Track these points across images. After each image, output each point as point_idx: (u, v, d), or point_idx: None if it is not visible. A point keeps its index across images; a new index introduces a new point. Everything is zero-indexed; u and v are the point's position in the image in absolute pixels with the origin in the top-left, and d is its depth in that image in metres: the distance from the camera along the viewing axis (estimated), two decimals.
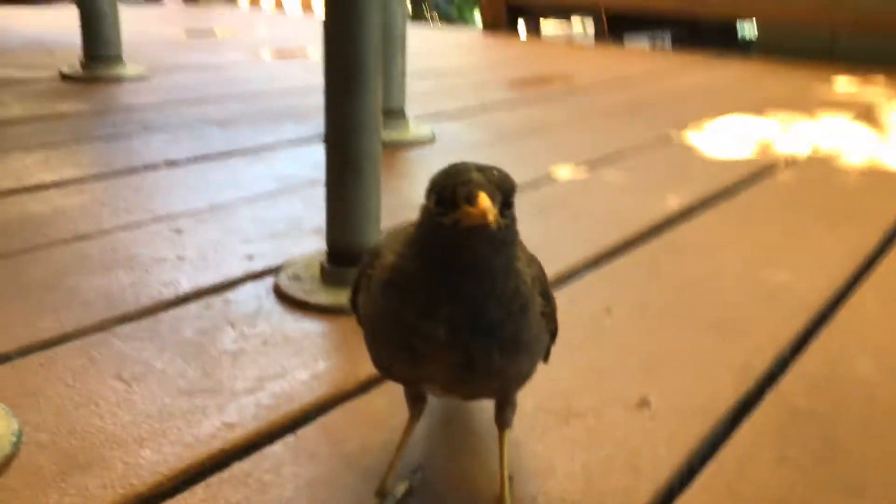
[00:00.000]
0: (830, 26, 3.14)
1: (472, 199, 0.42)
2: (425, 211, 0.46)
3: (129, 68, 2.17)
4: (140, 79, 2.14)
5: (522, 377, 0.52)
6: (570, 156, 1.53)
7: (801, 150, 1.68)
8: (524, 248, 0.50)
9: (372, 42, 0.80)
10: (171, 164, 1.37)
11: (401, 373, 0.52)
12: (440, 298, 0.46)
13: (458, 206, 0.43)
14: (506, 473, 0.56)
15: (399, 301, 0.47)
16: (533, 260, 0.52)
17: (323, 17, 0.81)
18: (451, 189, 0.43)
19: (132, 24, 2.50)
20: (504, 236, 0.45)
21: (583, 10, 5.24)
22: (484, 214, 0.42)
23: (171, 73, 2.28)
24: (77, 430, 0.63)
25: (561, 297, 0.58)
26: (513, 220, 0.46)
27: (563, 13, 5.86)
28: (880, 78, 2.71)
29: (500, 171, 0.45)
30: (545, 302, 0.51)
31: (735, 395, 0.72)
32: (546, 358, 0.56)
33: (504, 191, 0.44)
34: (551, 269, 0.63)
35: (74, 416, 0.64)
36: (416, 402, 0.58)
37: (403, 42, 1.55)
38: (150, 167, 1.35)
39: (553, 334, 0.55)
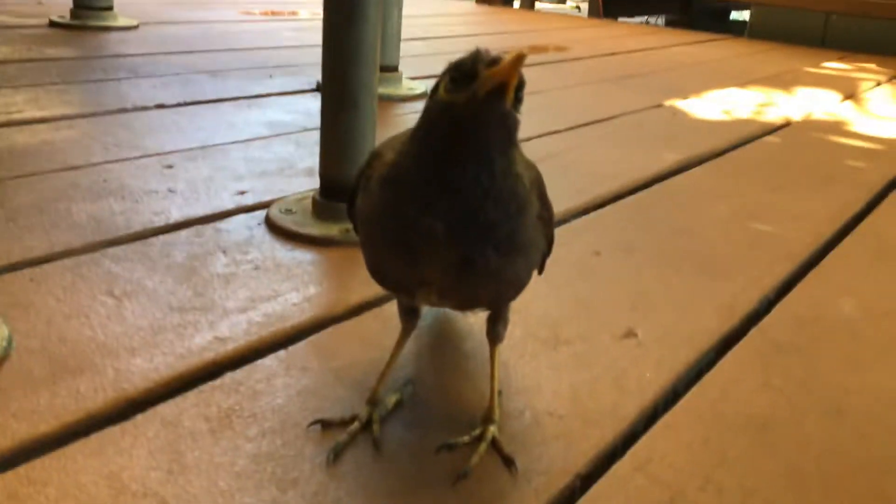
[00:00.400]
0: (823, 10, 3.15)
1: (496, 62, 0.42)
2: (433, 98, 0.46)
3: (120, 19, 2.15)
4: (130, 29, 2.12)
5: (518, 282, 0.52)
6: (563, 118, 1.54)
7: (791, 119, 1.70)
8: (522, 153, 0.51)
9: None
10: (162, 106, 1.36)
11: (396, 276, 0.52)
12: (439, 194, 0.46)
13: (477, 76, 0.43)
14: (496, 387, 0.56)
15: (397, 197, 0.47)
16: (531, 165, 0.52)
17: None
18: (470, 62, 0.43)
19: None
20: (512, 122, 0.45)
21: None
22: (509, 71, 0.42)
23: (162, 26, 2.26)
24: (68, 338, 0.63)
25: None
26: (519, 117, 0.46)
27: None
28: (872, 63, 2.72)
29: None
30: (542, 206, 0.51)
31: (720, 330, 0.73)
32: (541, 268, 0.56)
33: (519, 79, 0.44)
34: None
35: (65, 326, 0.64)
36: (408, 315, 0.59)
37: None
38: (140, 108, 1.34)
39: (549, 242, 0.55)
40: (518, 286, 0.53)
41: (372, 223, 0.51)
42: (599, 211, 1.03)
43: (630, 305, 0.77)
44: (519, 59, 0.42)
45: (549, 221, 0.53)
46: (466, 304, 0.55)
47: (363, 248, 0.54)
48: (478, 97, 0.43)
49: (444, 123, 0.45)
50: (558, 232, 0.58)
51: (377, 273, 0.53)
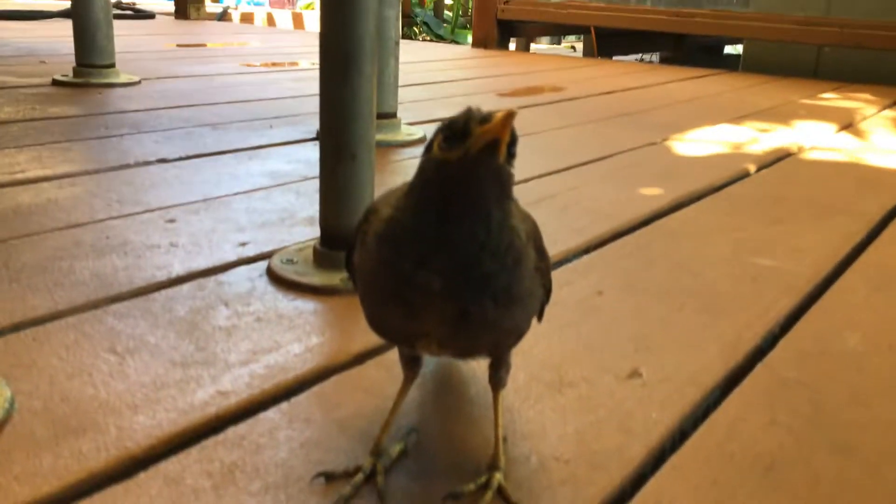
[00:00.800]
0: (815, 43, 3.19)
1: (487, 119, 0.43)
2: (427, 157, 0.47)
3: (122, 76, 2.18)
4: (132, 85, 2.15)
5: (517, 332, 0.53)
6: (560, 158, 1.55)
7: (788, 151, 1.71)
8: (518, 206, 0.51)
9: (368, 27, 0.81)
10: (164, 161, 1.38)
11: (395, 328, 0.52)
12: (435, 248, 0.46)
13: (469, 134, 0.44)
14: (500, 433, 0.56)
15: (394, 252, 0.48)
16: (527, 217, 0.53)
17: (319, 4, 0.83)
18: (462, 121, 0.44)
19: (123, 37, 2.52)
20: (506, 176, 0.46)
21: (573, 30, 5.30)
22: (501, 128, 0.43)
23: (163, 81, 2.30)
24: (70, 397, 0.63)
25: (553, 280, 0.59)
26: (512, 171, 0.46)
27: (554, 33, 5.91)
28: (866, 93, 2.75)
29: None
30: (539, 257, 0.52)
31: (725, 368, 0.73)
32: (540, 316, 0.57)
33: (511, 135, 0.45)
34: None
35: (67, 385, 0.64)
36: (410, 364, 0.59)
37: (396, 47, 1.57)
38: (142, 164, 1.35)
39: (547, 291, 0.55)
40: (517, 335, 0.53)
41: (369, 279, 0.51)
42: (600, 250, 1.03)
43: (634, 345, 0.77)
44: (510, 116, 0.43)
45: (546, 272, 0.54)
46: (466, 353, 0.55)
47: (362, 303, 0.54)
48: (471, 154, 0.44)
49: (438, 180, 0.46)
50: (559, 272, 0.59)
51: (377, 326, 0.54)
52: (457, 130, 0.44)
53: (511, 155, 0.45)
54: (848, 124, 2.11)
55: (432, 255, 0.46)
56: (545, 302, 0.56)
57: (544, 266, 0.53)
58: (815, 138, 1.88)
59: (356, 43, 0.80)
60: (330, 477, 0.54)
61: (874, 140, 1.91)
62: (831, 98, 2.63)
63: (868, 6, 3.09)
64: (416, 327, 0.49)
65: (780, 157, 1.65)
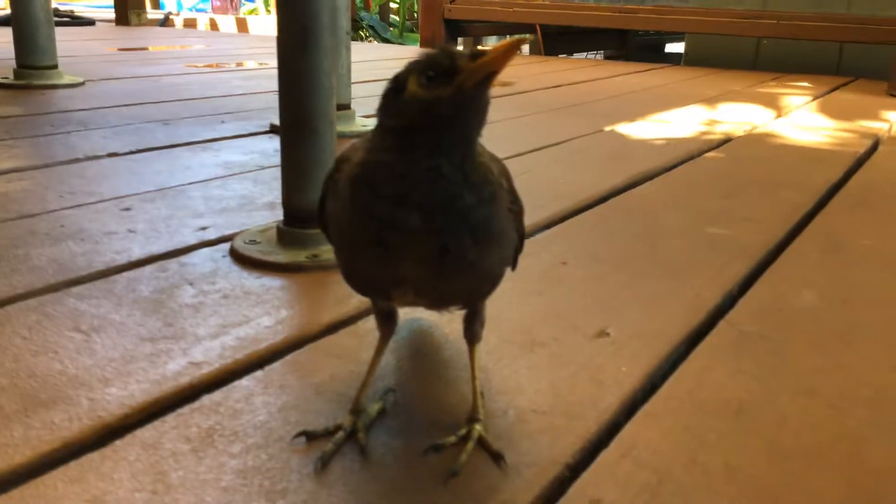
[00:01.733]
0: (754, 36, 3.29)
1: (479, 55, 0.44)
2: (403, 97, 0.46)
3: (65, 77, 2.13)
4: (76, 86, 2.10)
5: (493, 276, 0.53)
6: (515, 144, 1.56)
7: (732, 135, 1.75)
8: (484, 148, 0.52)
9: (324, 1, 0.81)
10: (114, 154, 1.35)
11: (372, 277, 0.52)
12: (417, 185, 0.46)
13: (458, 70, 0.44)
14: (477, 386, 0.57)
15: (370, 193, 0.48)
16: (495, 158, 0.53)
17: None
18: (447, 59, 0.45)
19: (64, 42, 2.45)
20: (488, 110, 0.47)
21: (520, 29, 5.35)
22: (502, 60, 0.43)
23: (107, 82, 2.25)
24: (37, 373, 0.61)
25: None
26: None
27: (501, 32, 5.96)
28: (803, 82, 2.84)
29: None
30: (511, 200, 0.52)
31: (689, 325, 0.74)
32: (514, 264, 0.57)
33: None
34: None
35: (33, 361, 0.63)
36: (386, 320, 0.59)
37: (348, 37, 1.57)
38: (92, 158, 1.32)
39: (521, 236, 0.56)
40: (493, 280, 0.54)
41: (344, 224, 0.51)
42: (562, 225, 1.05)
43: (600, 308, 0.78)
44: (514, 47, 0.44)
45: (518, 215, 0.54)
46: (443, 302, 0.55)
47: (336, 254, 0.54)
48: (465, 89, 0.45)
49: (425, 118, 0.46)
50: (525, 245, 0.59)
51: (352, 277, 0.54)
52: (443, 68, 0.45)
53: None
54: (787, 110, 2.18)
55: (412, 191, 0.46)
56: (519, 249, 0.57)
57: (517, 209, 0.54)
58: (757, 123, 1.94)
59: (313, 16, 0.80)
60: (311, 436, 0.54)
61: (812, 123, 1.98)
62: (771, 87, 2.71)
63: None
64: (392, 272, 0.49)
65: (725, 141, 1.70)
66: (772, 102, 2.30)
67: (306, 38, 0.80)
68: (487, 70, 0.44)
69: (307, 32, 0.81)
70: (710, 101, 2.31)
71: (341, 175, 0.51)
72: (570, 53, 4.68)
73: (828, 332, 0.75)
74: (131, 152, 1.38)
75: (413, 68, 0.46)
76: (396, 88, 0.47)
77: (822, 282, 0.88)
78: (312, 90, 0.82)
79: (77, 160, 1.31)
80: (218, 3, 5.90)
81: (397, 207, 0.46)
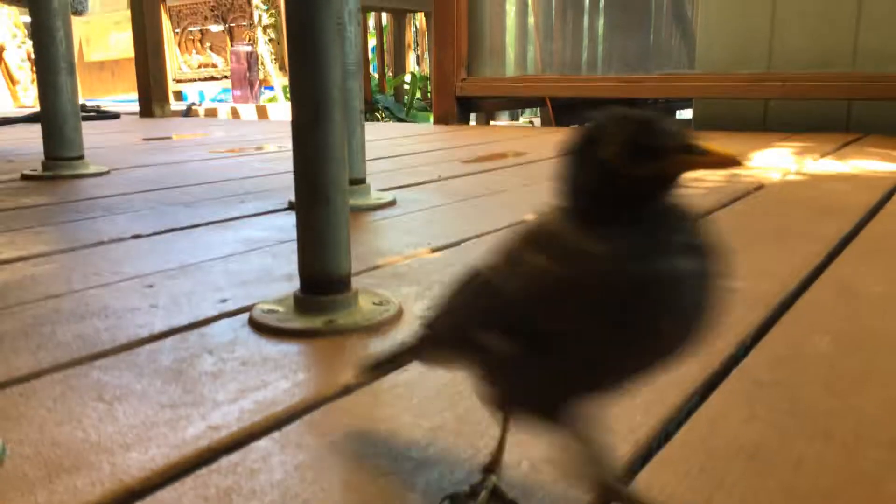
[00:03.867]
0: (761, 97, 3.34)
1: (690, 148, 0.40)
2: (600, 162, 0.42)
3: (91, 167, 2.21)
4: (101, 175, 2.18)
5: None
6: (524, 210, 1.59)
7: (745, 192, 1.77)
8: None
9: (335, 77, 0.86)
10: (138, 236, 1.39)
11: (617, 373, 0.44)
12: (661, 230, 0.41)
13: (665, 154, 0.40)
14: (506, 440, 0.56)
15: (611, 249, 0.41)
16: None
17: (288, 59, 0.87)
18: (660, 136, 0.40)
19: (90, 135, 2.55)
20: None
21: (530, 103, 5.46)
22: (733, 158, 0.39)
23: (132, 170, 2.33)
24: (61, 442, 0.63)
25: None
26: None
27: (513, 107, 6.08)
28: (812, 142, 2.87)
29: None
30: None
31: (703, 374, 0.75)
32: None
33: None
34: None
35: (57, 431, 0.65)
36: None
37: (362, 115, 1.62)
38: (117, 240, 1.37)
39: None
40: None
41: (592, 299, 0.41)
42: None
43: None
44: (734, 163, 0.40)
45: None
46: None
47: (536, 378, 0.45)
48: (664, 176, 0.41)
49: (620, 187, 0.42)
50: None
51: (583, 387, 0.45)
52: (649, 145, 0.40)
53: None
54: (797, 167, 2.20)
55: (666, 234, 0.41)
56: None
57: None
58: (769, 179, 1.96)
59: (324, 92, 0.84)
60: (455, 499, 0.53)
61: (822, 178, 1.99)
62: (781, 146, 2.74)
63: (806, 59, 3.26)
64: (656, 351, 0.43)
65: (739, 197, 1.71)
66: (782, 161, 2.33)
67: (318, 113, 0.84)
68: (696, 167, 0.40)
69: (319, 107, 0.85)
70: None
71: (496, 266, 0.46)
72: (582, 124, 4.77)
73: (843, 377, 0.75)
74: (155, 233, 1.42)
75: (616, 130, 0.42)
76: (588, 144, 0.43)
77: (836, 328, 0.88)
78: (325, 161, 0.86)
79: (102, 243, 1.35)
80: (238, 93, 6.11)
81: (664, 253, 0.41)
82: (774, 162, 2.30)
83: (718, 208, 1.59)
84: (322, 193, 0.86)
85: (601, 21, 5.94)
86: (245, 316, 0.93)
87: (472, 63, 4.01)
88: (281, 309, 0.91)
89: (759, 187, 1.85)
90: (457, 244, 1.30)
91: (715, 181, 1.92)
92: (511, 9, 5.19)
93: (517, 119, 7.24)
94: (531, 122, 6.72)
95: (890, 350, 0.82)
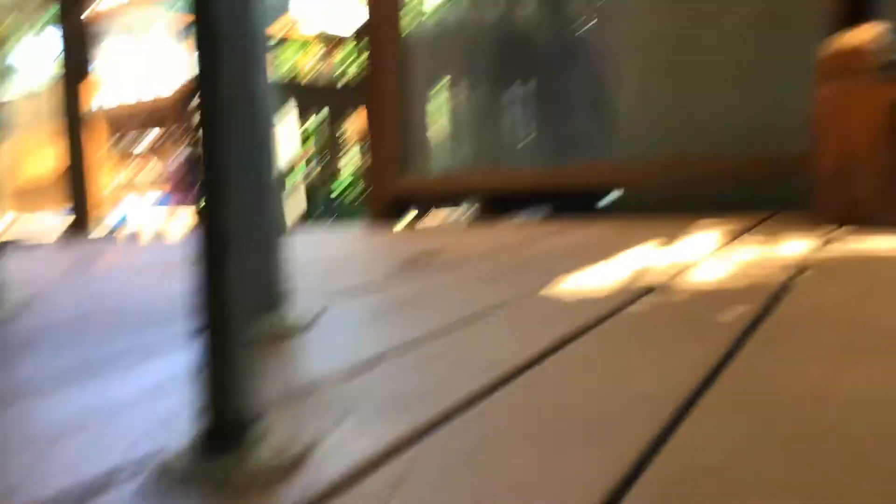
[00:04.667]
0: (683, 181, 3.49)
1: None
2: None
3: None
4: None
5: None
6: (445, 317, 1.61)
7: (657, 284, 1.83)
8: None
9: (234, 217, 0.86)
10: None
11: None
12: None
13: None
14: None
15: None
16: None
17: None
18: None
19: None
20: None
21: (460, 200, 5.60)
22: None
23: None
24: None
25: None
26: None
27: (443, 205, 6.23)
28: (730, 224, 2.98)
29: None
30: None
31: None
32: None
33: None
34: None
35: None
36: None
37: (284, 232, 1.64)
38: None
39: None
40: None
41: None
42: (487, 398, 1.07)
43: (519, 488, 0.79)
44: None
45: None
46: None
47: None
48: None
49: None
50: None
51: None
52: None
53: None
54: (715, 248, 2.28)
55: None
56: None
57: None
58: (640, 266, 2.02)
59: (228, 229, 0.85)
60: None
61: (733, 262, 2.07)
62: (702, 227, 2.84)
63: (723, 140, 3.42)
64: None
65: (650, 289, 1.76)
66: (697, 245, 2.41)
67: (222, 251, 0.85)
68: None
69: (223, 244, 0.85)
70: (636, 252, 2.40)
71: None
72: (511, 216, 4.88)
73: (740, 483, 0.76)
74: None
75: None
76: None
77: (738, 428, 0.90)
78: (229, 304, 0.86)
79: None
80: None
81: None
82: (682, 248, 2.38)
83: (621, 309, 1.64)
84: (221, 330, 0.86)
85: (525, 113, 6.15)
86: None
87: (405, 162, 4.12)
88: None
89: (669, 278, 1.91)
90: (378, 363, 1.29)
91: (622, 279, 1.97)
92: (440, 108, 5.35)
93: (459, 208, 7.37)
94: (465, 215, 6.85)
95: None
